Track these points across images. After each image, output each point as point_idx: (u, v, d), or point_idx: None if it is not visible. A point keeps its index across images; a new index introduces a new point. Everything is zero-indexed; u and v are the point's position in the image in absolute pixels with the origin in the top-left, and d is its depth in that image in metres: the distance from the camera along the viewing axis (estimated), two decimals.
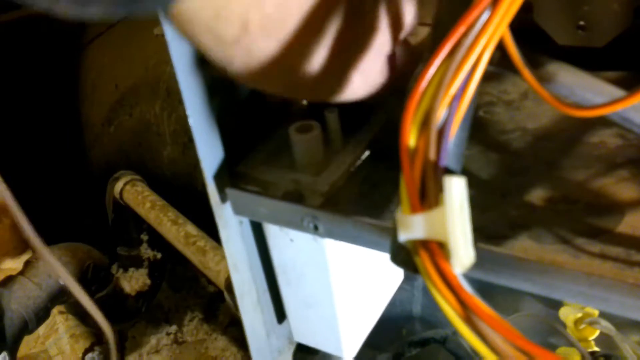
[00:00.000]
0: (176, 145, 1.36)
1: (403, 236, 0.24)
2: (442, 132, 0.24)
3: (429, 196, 0.24)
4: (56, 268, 0.33)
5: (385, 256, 0.49)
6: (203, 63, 0.34)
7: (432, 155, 0.24)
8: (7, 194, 0.28)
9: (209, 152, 0.36)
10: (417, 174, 0.24)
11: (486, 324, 0.22)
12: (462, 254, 0.22)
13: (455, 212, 0.22)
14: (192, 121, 0.34)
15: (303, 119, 0.36)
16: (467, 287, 0.22)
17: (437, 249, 0.23)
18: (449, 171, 0.25)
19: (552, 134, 0.36)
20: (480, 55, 0.24)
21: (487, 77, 0.25)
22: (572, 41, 0.39)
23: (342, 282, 0.41)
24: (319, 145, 0.36)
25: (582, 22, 0.37)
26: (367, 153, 0.37)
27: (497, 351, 0.22)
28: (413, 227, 0.24)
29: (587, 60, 0.40)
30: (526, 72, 0.26)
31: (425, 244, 0.24)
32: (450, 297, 0.23)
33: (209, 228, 1.10)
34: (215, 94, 0.35)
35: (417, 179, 0.24)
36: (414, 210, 0.24)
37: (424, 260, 0.23)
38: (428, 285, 0.24)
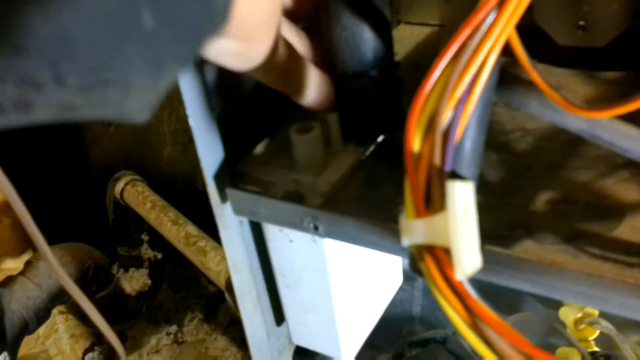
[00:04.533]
0: (176, 145, 1.36)
1: (407, 241, 0.24)
2: (447, 136, 0.24)
3: (434, 201, 0.24)
4: (59, 273, 0.33)
5: (385, 258, 0.49)
6: (203, 63, 0.34)
7: (437, 159, 0.24)
8: (10, 190, 0.28)
9: (209, 152, 0.36)
10: (422, 178, 0.24)
11: (493, 330, 0.22)
12: (465, 260, 0.22)
13: (458, 218, 0.22)
14: (192, 121, 0.34)
15: (307, 118, 0.36)
16: (473, 293, 0.22)
17: (442, 254, 0.23)
18: (457, 175, 0.25)
19: (552, 134, 0.36)
20: (487, 58, 0.23)
21: None
22: (572, 41, 0.39)
23: (341, 285, 0.41)
24: (319, 146, 0.36)
25: (582, 22, 0.37)
26: (368, 152, 0.37)
27: (503, 357, 0.21)
28: (417, 232, 0.24)
29: (587, 60, 0.40)
30: (534, 74, 0.26)
31: (430, 250, 0.23)
32: (456, 303, 0.22)
33: (209, 228, 1.10)
34: (215, 94, 0.35)
35: (422, 183, 0.24)
36: (418, 215, 0.24)
37: (429, 265, 0.23)
38: (433, 291, 0.23)
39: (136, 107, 0.22)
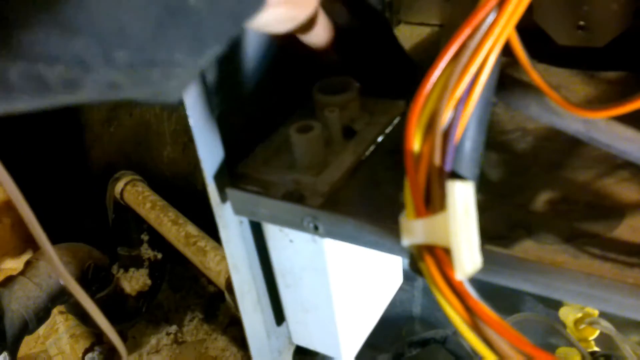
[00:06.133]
0: (176, 145, 1.36)
1: (407, 241, 0.24)
2: (447, 136, 0.24)
3: (434, 201, 0.24)
4: (61, 272, 0.33)
5: (385, 258, 0.49)
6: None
7: (437, 159, 0.24)
8: (14, 189, 0.28)
9: (209, 152, 0.36)
10: (422, 178, 0.24)
11: (492, 330, 0.22)
12: (465, 260, 0.22)
13: (458, 218, 0.22)
14: (192, 121, 0.34)
15: (307, 118, 0.36)
16: (473, 293, 0.22)
17: (442, 254, 0.23)
18: (457, 175, 0.25)
19: (552, 134, 0.36)
20: (487, 58, 0.23)
21: None
22: (572, 41, 0.39)
23: (341, 285, 0.41)
24: (319, 145, 0.36)
25: (582, 22, 0.37)
26: (368, 152, 0.37)
27: (503, 357, 0.21)
28: (417, 232, 0.24)
29: (587, 60, 0.40)
30: (534, 74, 0.26)
31: (430, 250, 0.23)
32: (457, 303, 0.22)
33: (209, 228, 1.10)
34: (215, 94, 0.35)
35: (422, 183, 0.24)
36: (418, 215, 0.24)
37: (429, 265, 0.23)
38: (434, 291, 0.23)
39: (175, 86, 0.23)
